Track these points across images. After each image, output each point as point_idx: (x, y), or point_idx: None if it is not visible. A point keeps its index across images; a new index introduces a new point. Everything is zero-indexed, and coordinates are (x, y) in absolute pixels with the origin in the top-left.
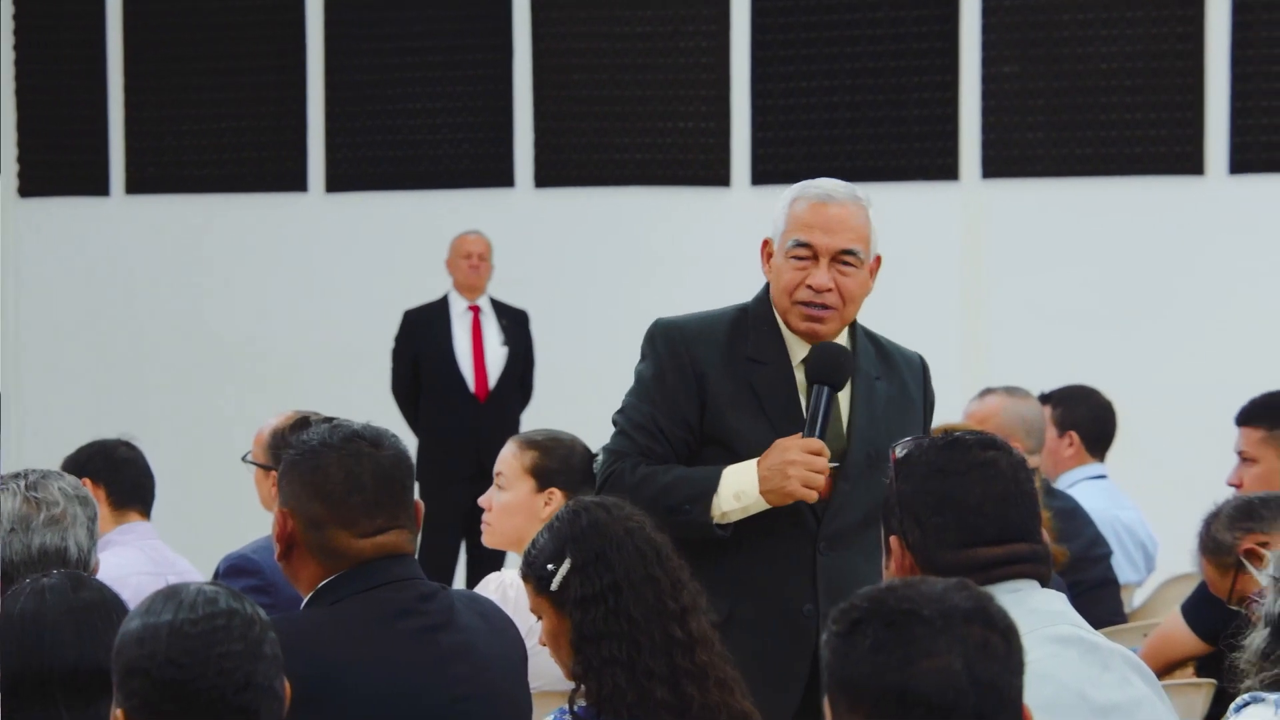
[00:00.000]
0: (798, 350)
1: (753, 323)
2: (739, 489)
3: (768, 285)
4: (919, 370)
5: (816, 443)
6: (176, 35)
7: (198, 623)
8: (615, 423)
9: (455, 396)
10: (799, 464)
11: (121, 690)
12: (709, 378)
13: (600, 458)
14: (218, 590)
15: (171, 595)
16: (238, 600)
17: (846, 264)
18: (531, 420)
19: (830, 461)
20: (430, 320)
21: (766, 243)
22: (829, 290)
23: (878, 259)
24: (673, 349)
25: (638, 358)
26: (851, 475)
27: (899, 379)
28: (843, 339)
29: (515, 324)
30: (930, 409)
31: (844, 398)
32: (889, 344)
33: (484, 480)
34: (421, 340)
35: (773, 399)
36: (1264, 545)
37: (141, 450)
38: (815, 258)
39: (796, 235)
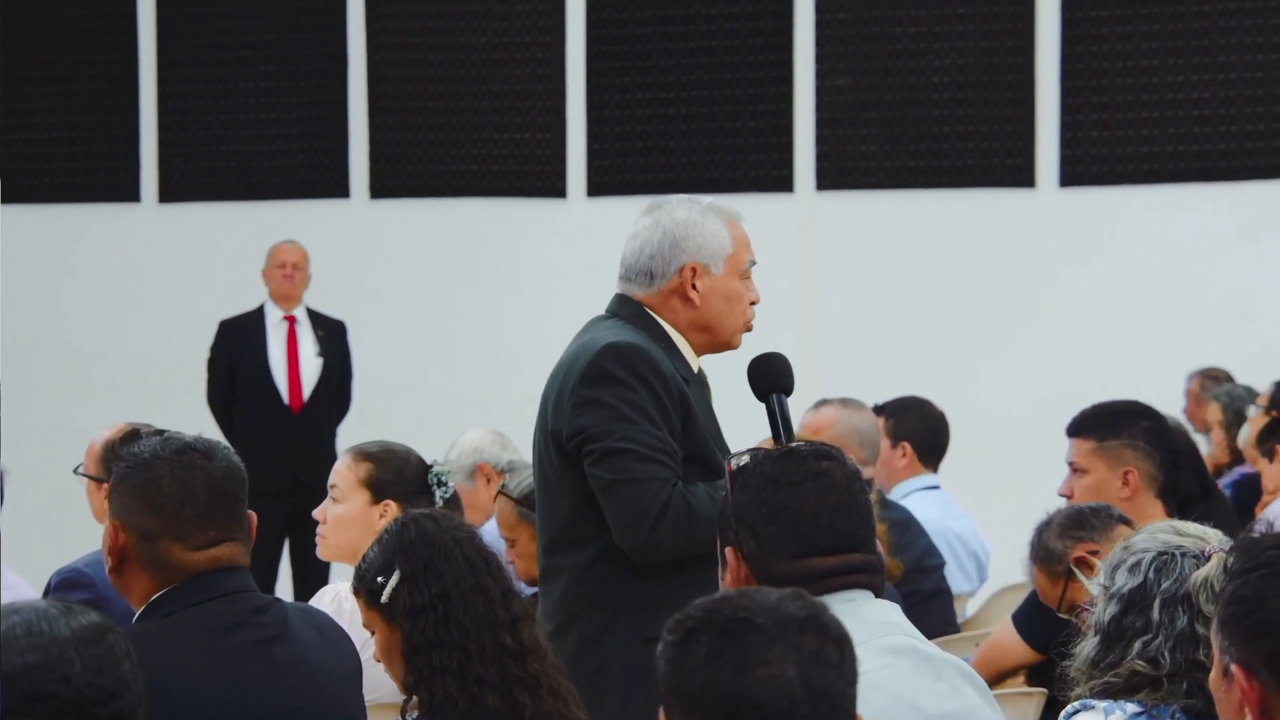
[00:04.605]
0: (693, 365)
1: (658, 341)
2: None
3: (636, 304)
4: None
5: None
6: (5, 43)
7: (89, 642)
8: (621, 450)
9: (269, 407)
10: None
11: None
12: (687, 396)
13: (624, 489)
14: (66, 605)
15: (42, 616)
16: (85, 610)
17: None
18: (357, 432)
19: None
20: (245, 330)
21: (695, 268)
22: None
23: None
24: (657, 371)
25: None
26: None
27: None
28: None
29: (332, 335)
30: None
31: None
32: None
33: (300, 492)
34: (236, 350)
35: (706, 415)
36: (1094, 554)
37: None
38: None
39: (750, 255)
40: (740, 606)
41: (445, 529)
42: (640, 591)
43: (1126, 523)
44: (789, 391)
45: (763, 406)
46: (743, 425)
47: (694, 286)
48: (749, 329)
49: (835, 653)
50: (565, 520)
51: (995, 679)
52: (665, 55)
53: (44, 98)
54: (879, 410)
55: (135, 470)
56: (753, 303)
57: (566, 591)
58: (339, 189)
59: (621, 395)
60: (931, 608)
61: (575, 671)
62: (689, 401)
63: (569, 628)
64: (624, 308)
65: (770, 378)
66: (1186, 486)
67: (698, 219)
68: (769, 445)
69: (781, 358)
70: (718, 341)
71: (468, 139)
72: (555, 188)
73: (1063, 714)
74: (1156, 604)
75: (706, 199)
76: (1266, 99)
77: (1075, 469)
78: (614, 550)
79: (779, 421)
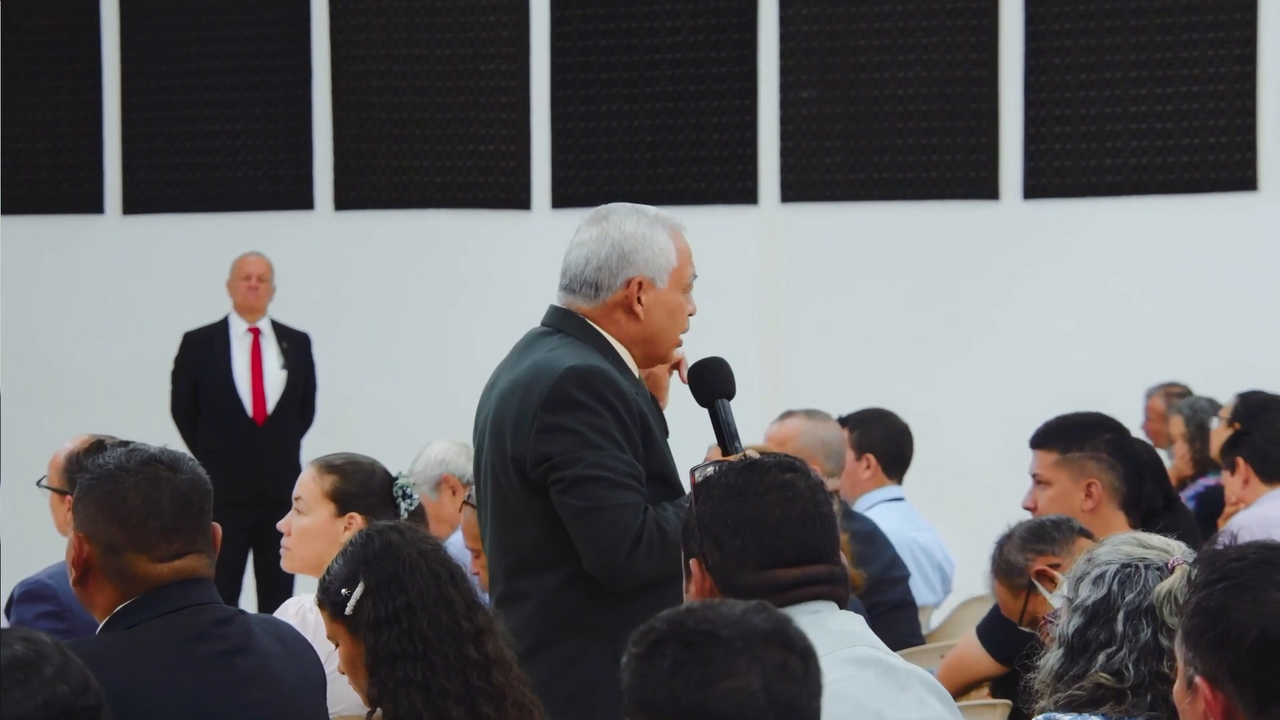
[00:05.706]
0: (636, 376)
1: (606, 356)
2: None
3: (579, 318)
4: None
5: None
6: None
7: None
8: (592, 477)
9: (233, 419)
10: None
11: None
12: (645, 414)
13: (598, 516)
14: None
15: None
16: (34, 639)
17: None
18: (321, 444)
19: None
20: (210, 341)
21: (641, 282)
22: None
23: None
24: (619, 393)
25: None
26: None
27: None
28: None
29: (296, 347)
30: None
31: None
32: None
33: (263, 504)
34: (200, 362)
35: (659, 428)
36: (1055, 567)
37: None
38: None
39: (693, 269)
40: (705, 619)
41: (410, 541)
42: (614, 616)
43: (1087, 535)
44: (731, 396)
45: (705, 413)
46: (686, 433)
47: (639, 300)
48: (678, 346)
49: (800, 665)
50: (532, 544)
51: (960, 691)
52: (629, 67)
53: (7, 109)
54: (844, 422)
55: (100, 482)
56: (690, 314)
57: (535, 615)
58: (303, 201)
59: (586, 421)
60: (896, 619)
61: (546, 697)
62: (647, 419)
63: (539, 652)
64: (566, 322)
65: (712, 383)
66: (1150, 499)
67: (646, 232)
68: (716, 453)
69: (722, 362)
70: (655, 355)
71: (432, 151)
72: (520, 199)
73: None
74: (1120, 616)
75: (652, 210)
76: (1229, 111)
77: (1038, 481)
78: (584, 574)
79: (724, 427)
